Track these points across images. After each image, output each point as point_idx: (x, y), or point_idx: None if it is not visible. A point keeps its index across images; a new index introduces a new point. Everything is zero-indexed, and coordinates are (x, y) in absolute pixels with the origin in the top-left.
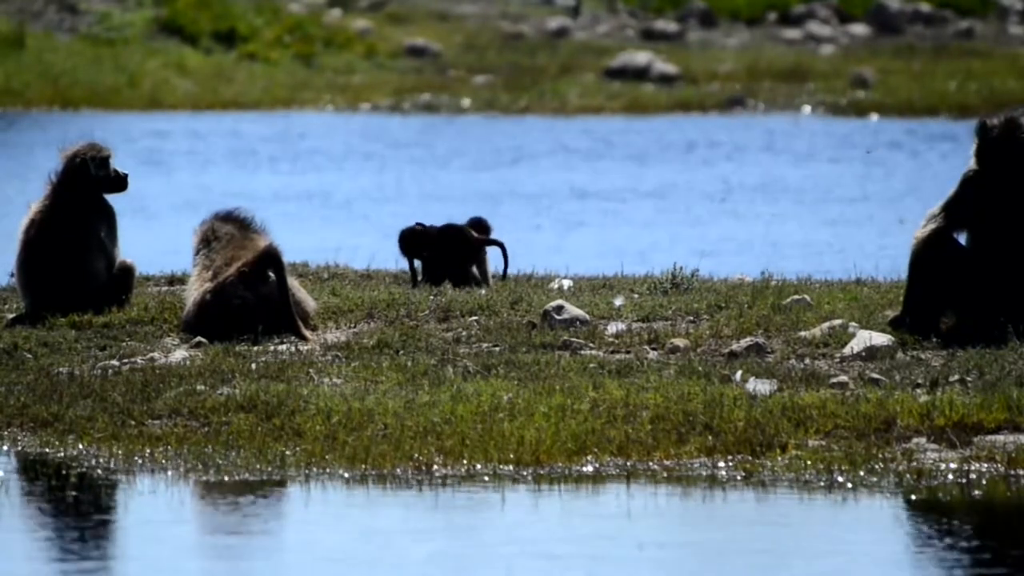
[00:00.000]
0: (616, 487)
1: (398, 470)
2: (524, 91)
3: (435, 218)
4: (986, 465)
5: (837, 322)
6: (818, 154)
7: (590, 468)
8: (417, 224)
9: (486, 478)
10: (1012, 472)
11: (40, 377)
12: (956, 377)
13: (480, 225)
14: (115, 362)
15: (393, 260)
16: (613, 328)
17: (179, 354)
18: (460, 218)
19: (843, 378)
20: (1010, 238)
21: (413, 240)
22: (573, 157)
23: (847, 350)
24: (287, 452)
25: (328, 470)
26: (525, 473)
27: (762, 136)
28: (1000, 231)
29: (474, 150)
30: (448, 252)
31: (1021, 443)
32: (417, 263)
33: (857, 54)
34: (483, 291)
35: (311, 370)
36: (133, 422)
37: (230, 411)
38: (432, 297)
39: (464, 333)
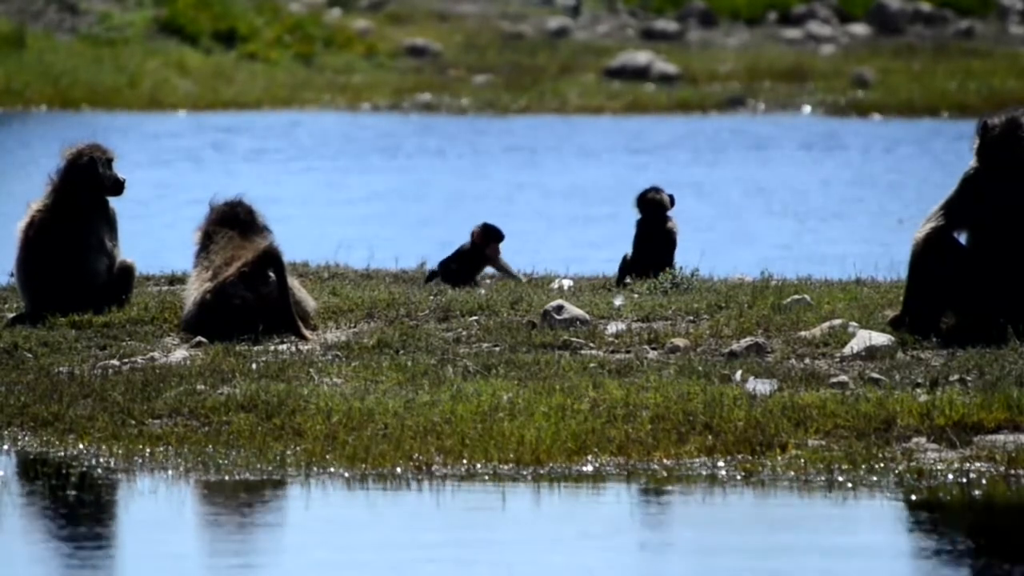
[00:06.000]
0: (616, 487)
1: (398, 470)
2: (524, 91)
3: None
4: (986, 465)
5: (837, 322)
6: (817, 154)
7: (590, 468)
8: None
9: (486, 478)
10: (1012, 472)
11: (40, 377)
12: (956, 377)
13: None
14: (115, 362)
15: (393, 260)
16: (613, 328)
17: (179, 354)
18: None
19: (843, 378)
20: (1010, 238)
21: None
22: (573, 156)
23: (847, 350)
24: (287, 452)
25: (328, 470)
26: (525, 473)
27: (760, 135)
28: (1000, 231)
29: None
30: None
31: (1021, 443)
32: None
33: (857, 54)
34: (483, 291)
35: (311, 370)
36: (133, 422)
37: (230, 411)
38: (432, 297)
39: (464, 333)
